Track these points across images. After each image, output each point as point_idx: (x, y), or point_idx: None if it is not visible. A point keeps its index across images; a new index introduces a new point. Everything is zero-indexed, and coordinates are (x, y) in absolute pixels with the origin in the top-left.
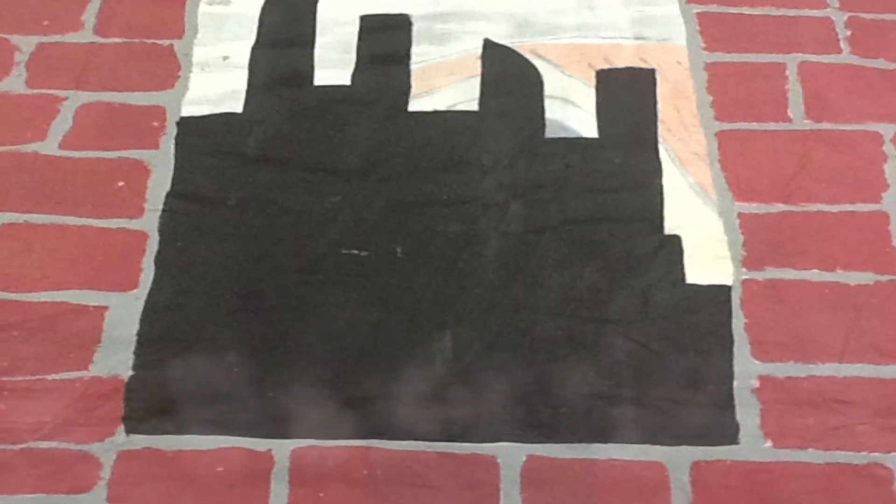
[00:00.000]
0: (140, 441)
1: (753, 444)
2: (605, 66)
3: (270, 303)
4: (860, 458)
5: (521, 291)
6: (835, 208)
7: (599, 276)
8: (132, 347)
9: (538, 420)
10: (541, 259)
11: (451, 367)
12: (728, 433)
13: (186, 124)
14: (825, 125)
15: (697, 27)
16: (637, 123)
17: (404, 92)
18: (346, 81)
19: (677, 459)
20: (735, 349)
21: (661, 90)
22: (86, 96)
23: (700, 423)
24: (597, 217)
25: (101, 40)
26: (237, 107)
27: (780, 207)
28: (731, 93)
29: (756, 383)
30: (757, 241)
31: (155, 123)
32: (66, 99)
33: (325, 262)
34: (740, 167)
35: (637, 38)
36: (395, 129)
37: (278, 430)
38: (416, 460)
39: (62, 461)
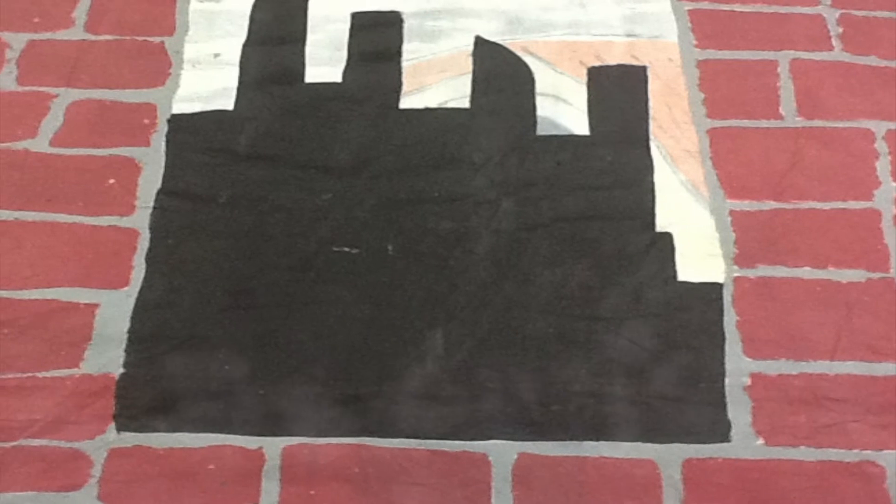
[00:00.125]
0: (131, 439)
1: (745, 442)
2: (597, 64)
3: (261, 300)
4: (852, 455)
5: (512, 289)
6: (826, 206)
7: (591, 273)
8: (123, 345)
9: (530, 418)
10: (532, 257)
11: (442, 364)
12: (720, 431)
13: (177, 122)
14: (817, 122)
15: (689, 24)
16: (628, 121)
17: (395, 89)
18: (338, 79)
19: (669, 457)
20: (727, 347)
21: (653, 87)
22: (76, 93)
23: (692, 421)
24: (588, 215)
25: (92, 37)
26: (228, 104)
27: (771, 205)
28: (722, 90)
29: (748, 381)
30: (749, 239)
31: (146, 121)
32: (56, 96)
33: (316, 259)
34: (732, 164)
35: (628, 36)
36: (386, 126)
37: (270, 427)
38: (408, 458)
39: (53, 459)
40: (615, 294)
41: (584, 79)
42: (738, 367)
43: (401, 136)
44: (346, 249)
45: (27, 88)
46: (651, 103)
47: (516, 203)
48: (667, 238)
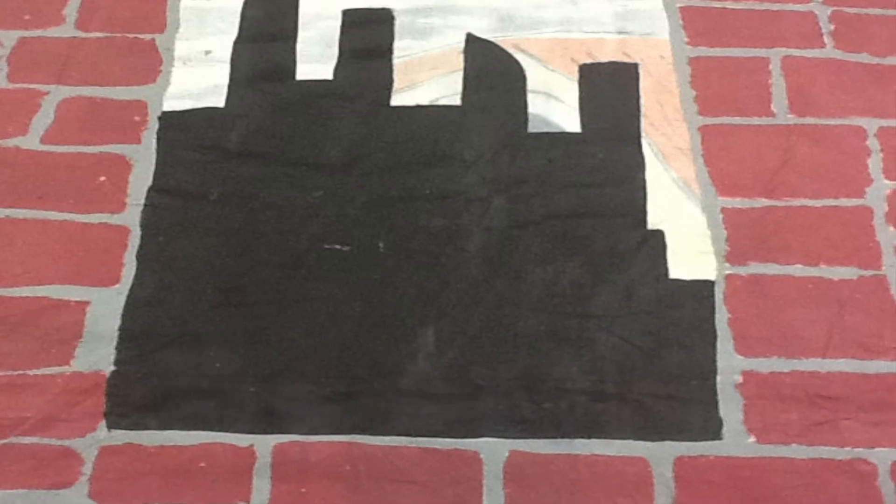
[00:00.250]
0: (122, 436)
1: (737, 440)
2: (588, 61)
3: (253, 298)
4: (844, 453)
5: (503, 286)
6: (818, 203)
7: (582, 271)
8: (114, 342)
9: (521, 415)
10: (524, 254)
11: (433, 362)
12: (711, 428)
13: (168, 119)
14: (809, 120)
15: (681, 21)
16: (620, 118)
17: (387, 86)
18: (329, 76)
19: (660, 455)
20: (718, 344)
21: (645, 85)
22: (67, 91)
23: (683, 419)
24: (580, 212)
25: (83, 35)
26: (219, 101)
27: (763, 202)
28: (714, 87)
29: (739, 378)
30: (740, 236)
31: (137, 118)
32: (47, 93)
33: (307, 257)
34: (724, 162)
35: (620, 33)
36: (377, 123)
37: (261, 425)
38: (399, 456)
39: (44, 456)
40: (607, 292)
41: (576, 76)
42: (730, 364)
43: (392, 133)
44: (338, 247)
45: (18, 86)
46: (643, 100)
47: (508, 200)
48: (658, 235)
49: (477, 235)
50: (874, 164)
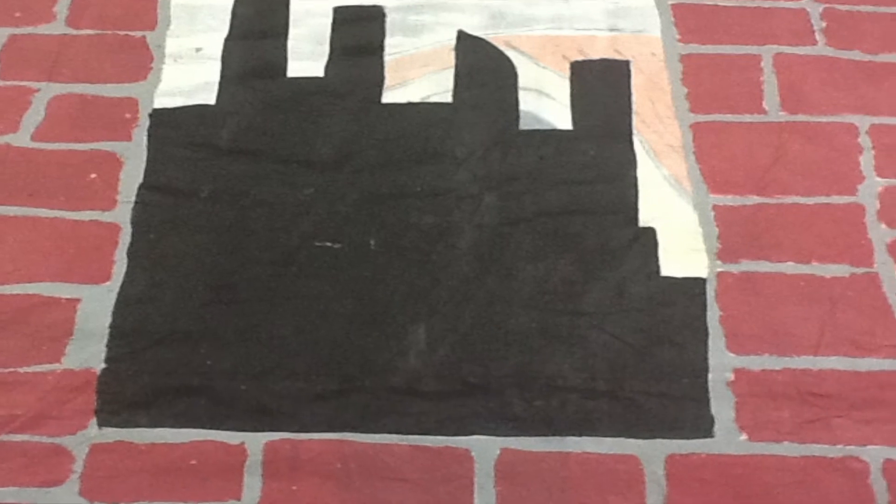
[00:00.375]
0: (112, 434)
1: (728, 438)
2: (580, 58)
3: (243, 295)
4: (836, 451)
5: (495, 284)
6: (810, 200)
7: (574, 268)
8: (105, 340)
9: (512, 413)
10: (515, 251)
11: (424, 359)
12: (703, 426)
13: (159, 116)
14: (800, 117)
15: (672, 19)
16: (611, 115)
17: (378, 83)
18: (320, 73)
19: (652, 453)
20: (710, 342)
21: (636, 82)
22: (58, 88)
23: (675, 417)
24: (571, 209)
25: (74, 32)
26: (210, 98)
27: (755, 200)
28: (705, 84)
29: (731, 376)
30: (732, 234)
31: (127, 115)
32: (38, 91)
33: (298, 254)
34: (715, 159)
35: (611, 30)
36: (368, 120)
37: (252, 423)
38: (390, 453)
39: (34, 454)
40: (598, 289)
41: (567, 73)
42: (722, 362)
43: (383, 130)
44: (329, 244)
45: (8, 83)
46: (634, 98)
47: (499, 198)
48: (650, 233)
49: (468, 233)
50: (866, 161)
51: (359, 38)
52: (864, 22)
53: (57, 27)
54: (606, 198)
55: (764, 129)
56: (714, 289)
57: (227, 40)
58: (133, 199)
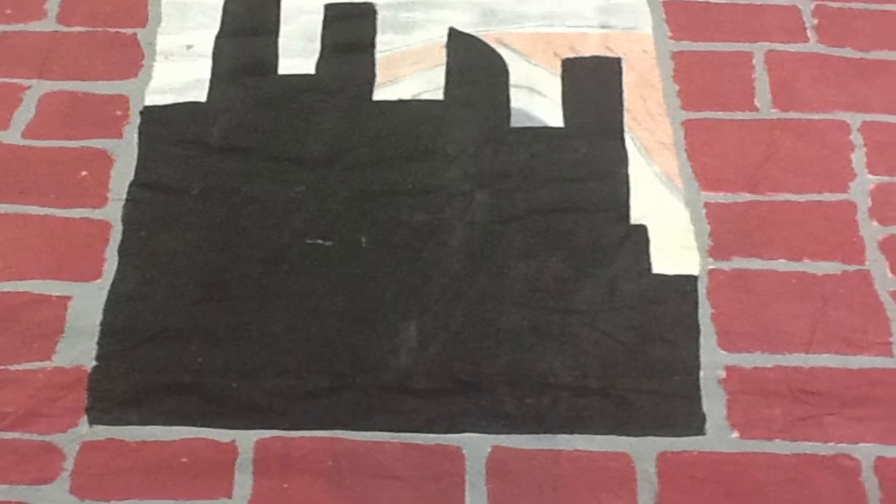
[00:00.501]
0: (103, 432)
1: (720, 435)
2: (571, 55)
3: (234, 293)
4: (827, 448)
5: (486, 281)
6: (802, 198)
7: (565, 266)
8: (95, 338)
9: (504, 411)
10: (506, 249)
11: (416, 357)
12: (694, 424)
13: (150, 113)
14: (792, 114)
15: (664, 16)
16: (603, 113)
17: (369, 81)
18: (311, 70)
19: (643, 450)
20: (702, 339)
21: (628, 79)
22: (49, 85)
23: (666, 414)
24: (562, 207)
25: (64, 29)
26: (201, 96)
27: (746, 197)
28: (697, 82)
29: (723, 373)
30: (723, 231)
31: (118, 112)
32: (28, 88)
33: (289, 251)
34: (707, 156)
35: (603, 27)
36: (359, 118)
37: (243, 420)
38: (381, 451)
39: (25, 452)
40: (589, 286)
41: (559, 70)
42: (713, 359)
43: (374, 127)
44: (320, 241)
45: None
46: (626, 95)
47: (490, 195)
48: (641, 230)
49: (459, 230)
50: (858, 158)
51: (350, 35)
52: (856, 19)
53: (48, 24)
54: (598, 195)
55: (756, 127)
56: (706, 286)
57: (218, 37)
58: (124, 196)
